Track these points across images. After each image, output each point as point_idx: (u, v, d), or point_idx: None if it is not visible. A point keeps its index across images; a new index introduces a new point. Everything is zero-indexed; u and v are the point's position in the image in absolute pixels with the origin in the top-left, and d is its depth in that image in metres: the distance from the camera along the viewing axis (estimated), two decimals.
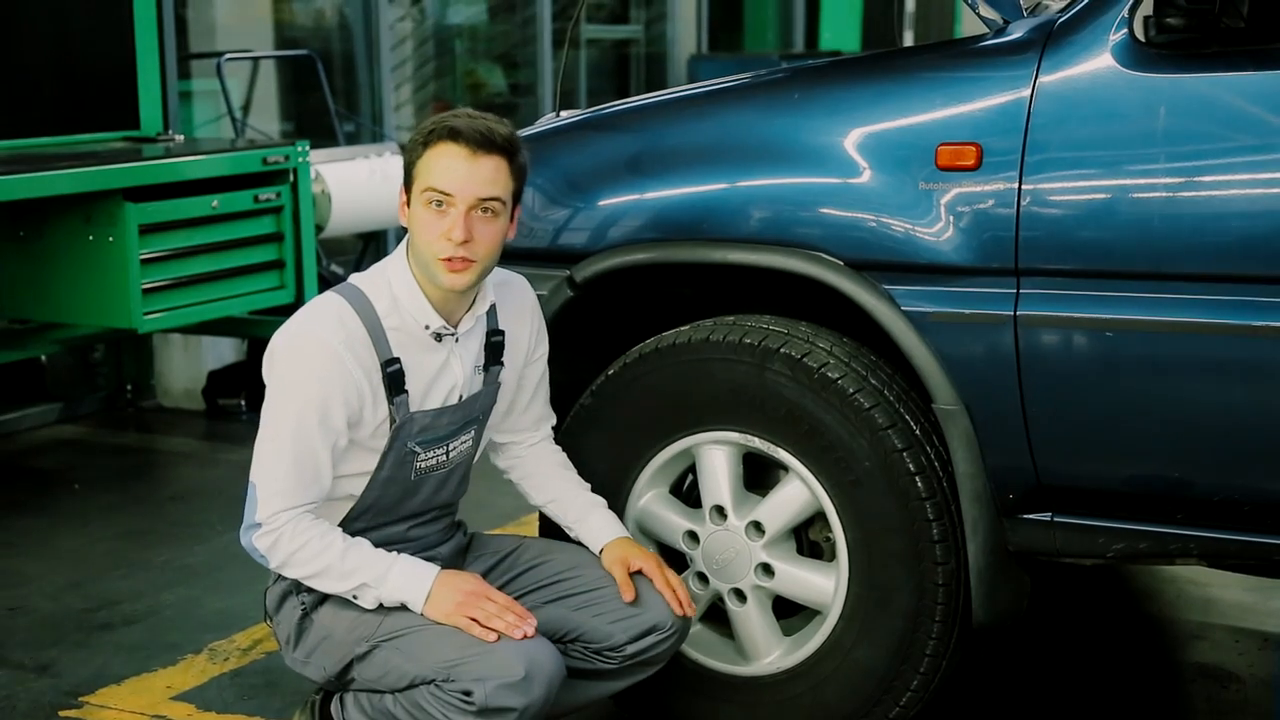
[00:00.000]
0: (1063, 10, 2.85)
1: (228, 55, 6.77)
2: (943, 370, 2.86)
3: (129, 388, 6.13)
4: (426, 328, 2.80)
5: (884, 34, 9.87)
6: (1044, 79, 2.78)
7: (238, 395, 6.02)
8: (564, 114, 3.49)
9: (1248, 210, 2.63)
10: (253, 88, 7.48)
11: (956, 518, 2.91)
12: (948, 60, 3.05)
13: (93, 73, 5.29)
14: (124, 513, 4.86)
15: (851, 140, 2.96)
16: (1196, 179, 2.67)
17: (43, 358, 5.78)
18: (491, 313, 2.94)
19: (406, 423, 2.80)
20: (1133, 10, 2.75)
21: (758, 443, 3.02)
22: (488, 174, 2.70)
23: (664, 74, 9.90)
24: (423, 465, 2.87)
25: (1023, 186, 2.78)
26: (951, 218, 2.84)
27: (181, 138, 5.53)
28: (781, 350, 2.97)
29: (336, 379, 2.71)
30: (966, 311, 2.83)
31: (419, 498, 2.91)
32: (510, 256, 3.16)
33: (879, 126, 2.95)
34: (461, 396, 2.89)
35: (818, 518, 3.05)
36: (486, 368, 2.94)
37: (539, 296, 3.14)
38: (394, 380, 2.77)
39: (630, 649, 2.89)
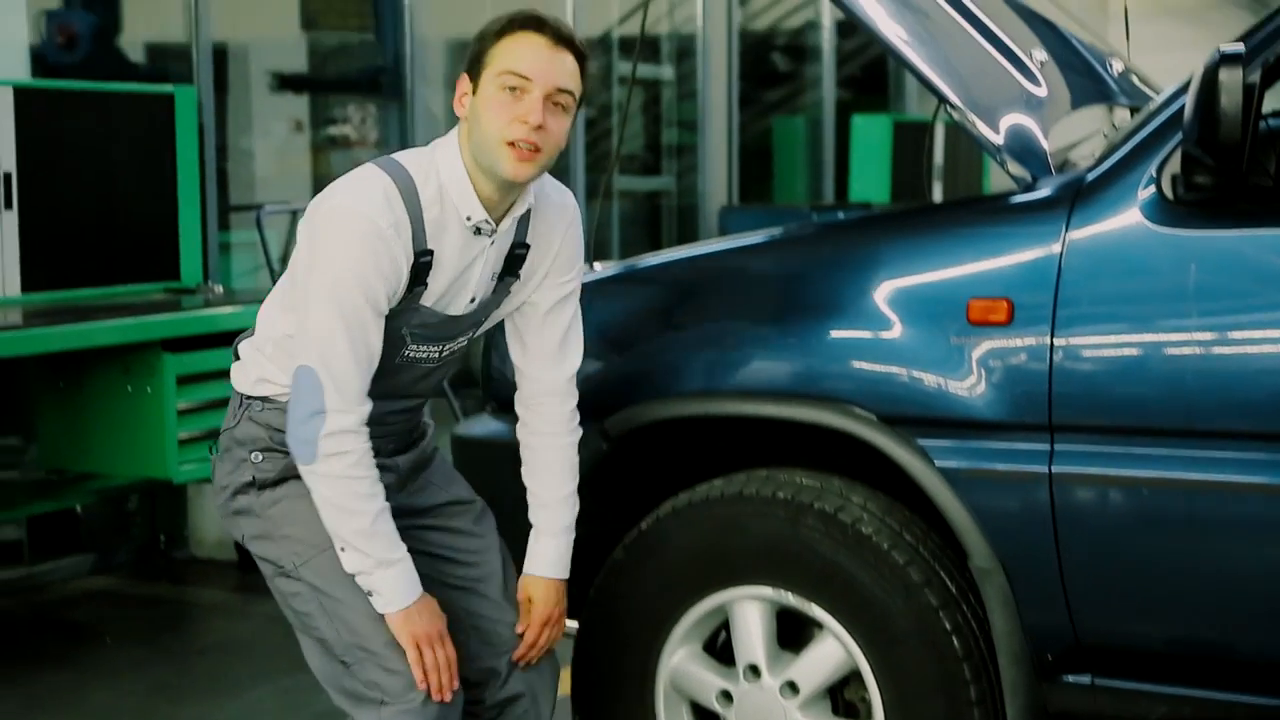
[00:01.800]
0: (1091, 168, 2.87)
1: (267, 207, 6.86)
2: (978, 527, 2.83)
3: (162, 538, 6.11)
4: (468, 219, 2.74)
5: (913, 186, 9.95)
6: (1074, 235, 2.79)
7: None
8: (598, 266, 3.51)
9: None
10: (291, 238, 7.58)
11: (995, 679, 2.86)
12: (978, 216, 3.07)
13: (135, 225, 5.36)
14: (155, 666, 4.82)
15: (883, 294, 2.97)
16: (1229, 335, 2.66)
17: (78, 508, 5.78)
18: (523, 223, 2.85)
19: (408, 311, 2.74)
20: (1160, 168, 2.77)
21: (791, 599, 2.98)
22: (567, 66, 2.68)
23: (695, 225, 9.99)
24: (411, 354, 2.80)
25: (1055, 342, 2.77)
26: (984, 372, 2.84)
27: (220, 288, 5.58)
28: (815, 505, 2.95)
29: (384, 260, 2.65)
30: (1001, 468, 2.81)
31: (399, 380, 2.81)
32: None
33: (910, 281, 2.97)
34: (473, 300, 2.82)
35: (853, 677, 3.00)
36: (501, 276, 2.86)
37: None
38: (421, 271, 2.72)
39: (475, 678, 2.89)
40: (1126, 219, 2.77)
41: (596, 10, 9.25)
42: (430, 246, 2.71)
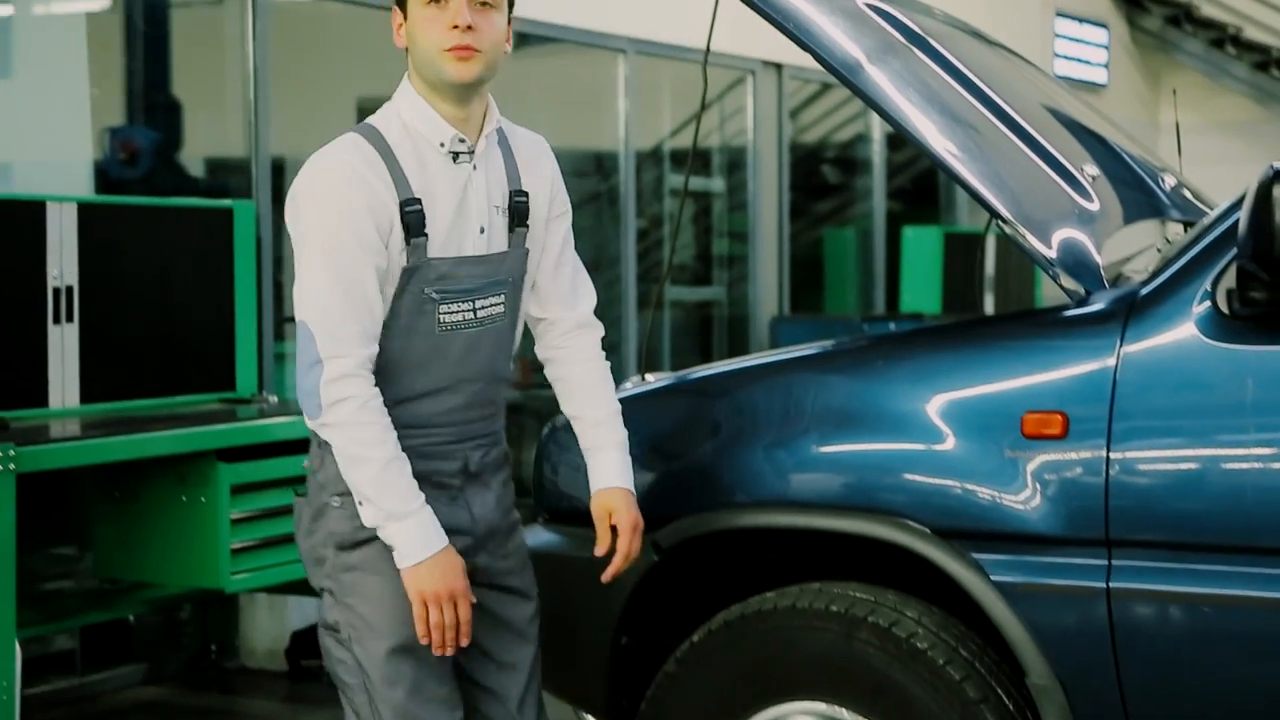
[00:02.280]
0: (1145, 282, 2.87)
1: None
2: (1035, 643, 2.80)
3: (213, 648, 6.11)
4: (442, 145, 2.76)
5: (964, 297, 9.95)
6: (1128, 349, 2.79)
7: (321, 656, 5.98)
8: (649, 377, 3.52)
9: None
10: None
11: None
12: (1031, 329, 3.07)
13: (192, 336, 5.42)
14: None
15: (936, 406, 2.97)
16: None
17: (130, 618, 5.80)
18: (512, 168, 2.87)
19: (422, 266, 2.72)
20: (1216, 283, 2.77)
21: (846, 715, 2.95)
22: None
23: (746, 335, 10.01)
24: (446, 318, 2.75)
25: (1111, 455, 2.76)
26: (1039, 486, 2.83)
27: (275, 398, 5.62)
28: (869, 619, 2.93)
29: (359, 194, 2.67)
30: (1058, 583, 2.79)
31: (449, 358, 2.77)
32: (591, 520, 3.17)
33: (964, 393, 2.97)
34: (482, 230, 2.79)
35: None
36: (512, 228, 2.85)
37: None
38: (413, 220, 2.70)
39: None
40: (1182, 333, 2.77)
41: (648, 123, 9.36)
42: (416, 195, 2.72)
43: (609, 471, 2.96)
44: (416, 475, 2.74)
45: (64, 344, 4.95)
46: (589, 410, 2.98)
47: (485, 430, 2.88)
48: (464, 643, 2.74)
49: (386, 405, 2.74)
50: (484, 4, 2.75)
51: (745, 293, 10.03)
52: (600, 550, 2.93)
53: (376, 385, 2.73)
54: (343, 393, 2.67)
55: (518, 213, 2.88)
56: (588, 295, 3.03)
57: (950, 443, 2.93)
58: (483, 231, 2.81)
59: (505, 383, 2.92)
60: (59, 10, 6.35)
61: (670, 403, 3.36)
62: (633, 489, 2.97)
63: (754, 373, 3.31)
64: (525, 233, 2.89)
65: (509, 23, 2.83)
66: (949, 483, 2.92)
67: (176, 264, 5.34)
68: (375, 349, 2.71)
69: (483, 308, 2.81)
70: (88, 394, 5.04)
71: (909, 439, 2.98)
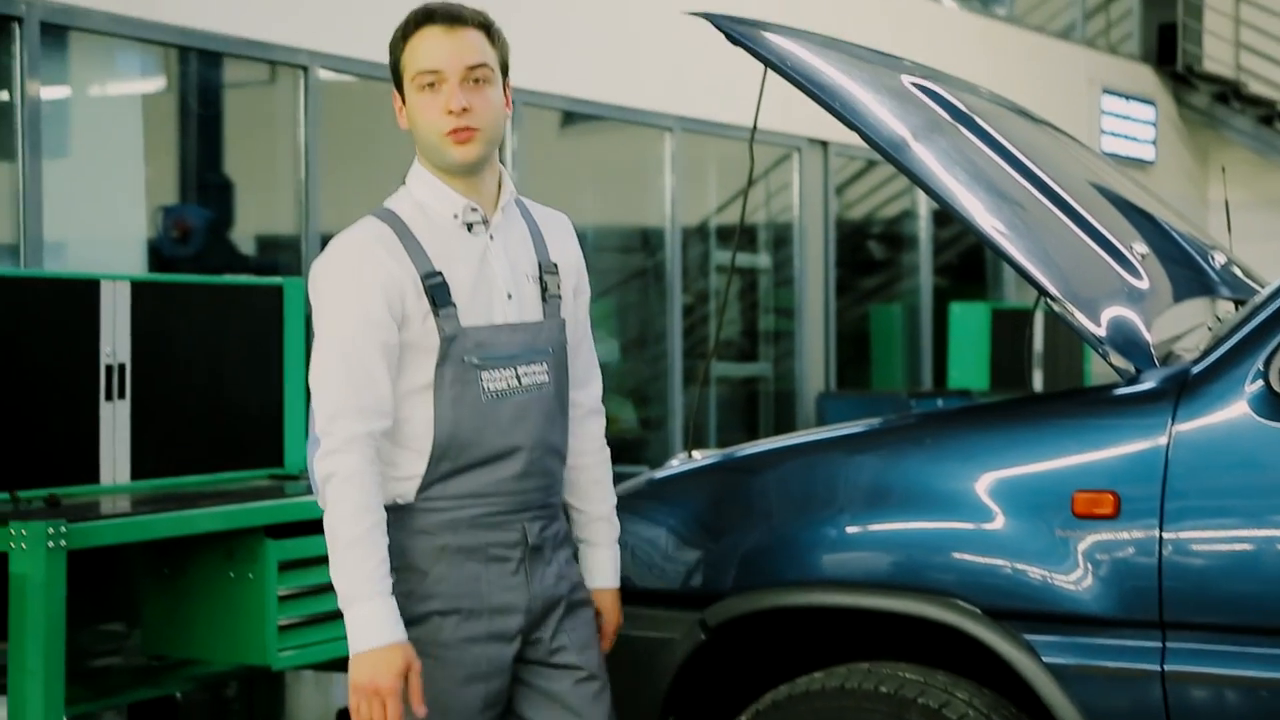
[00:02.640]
0: (1196, 361, 2.86)
1: None
2: None
3: None
4: (455, 216, 2.80)
5: (1012, 374, 9.92)
6: (1180, 428, 2.78)
7: None
8: (696, 454, 3.52)
9: None
10: None
11: None
12: (1082, 408, 3.06)
13: (242, 412, 5.44)
14: None
15: (985, 485, 2.95)
16: None
17: (178, 695, 5.80)
18: (538, 240, 2.90)
19: (459, 335, 2.74)
20: (1268, 362, 2.75)
21: None
22: (470, 43, 2.77)
23: (793, 411, 10.00)
24: (490, 385, 2.76)
25: (1164, 536, 2.74)
26: (1091, 566, 2.80)
27: None
28: (919, 700, 2.91)
29: (371, 271, 2.71)
30: (1111, 665, 2.76)
31: (498, 426, 2.77)
32: (640, 598, 3.16)
33: (1013, 472, 2.96)
34: (510, 296, 2.81)
35: None
36: (545, 298, 2.87)
37: (669, 640, 3.12)
38: (437, 292, 2.74)
39: None
40: (1234, 412, 2.75)
41: (694, 199, 9.41)
42: (437, 268, 2.76)
43: (604, 571, 2.99)
44: (471, 549, 2.76)
45: (115, 420, 4.99)
46: (591, 505, 3.01)
47: (543, 501, 2.87)
48: None
49: (443, 478, 2.76)
50: (477, 80, 2.79)
51: (791, 369, 10.04)
52: (605, 646, 2.95)
53: (416, 462, 2.76)
54: (330, 468, 2.69)
55: (548, 284, 2.91)
56: (598, 379, 3.05)
57: (1000, 522, 2.91)
58: (510, 298, 2.84)
59: (561, 456, 2.92)
60: (115, 92, 6.47)
61: (717, 480, 3.35)
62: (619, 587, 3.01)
63: (801, 450, 3.30)
64: (559, 303, 2.91)
65: (506, 88, 2.87)
66: (999, 562, 2.90)
67: (227, 340, 5.38)
68: (377, 425, 2.71)
69: (526, 374, 2.83)
70: (138, 470, 5.07)
71: (958, 518, 2.96)
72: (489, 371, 2.78)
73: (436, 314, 2.74)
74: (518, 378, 2.81)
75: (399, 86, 2.85)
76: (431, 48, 2.78)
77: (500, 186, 2.88)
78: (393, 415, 2.74)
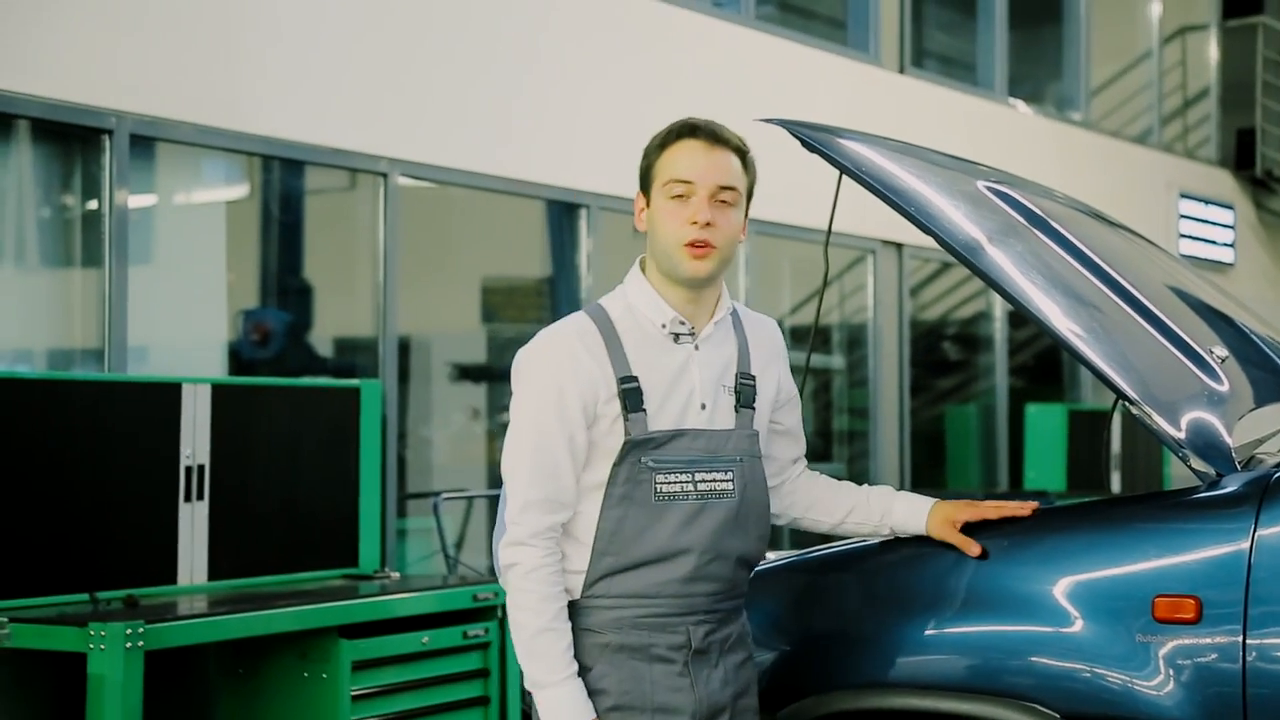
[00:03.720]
0: (1278, 465, 2.82)
1: (444, 494, 7.00)
2: None
3: None
4: (663, 326, 2.86)
5: (1090, 475, 9.82)
6: (1263, 532, 2.75)
7: None
8: (771, 555, 3.51)
9: None
10: (466, 524, 7.69)
11: None
12: (1162, 511, 3.02)
13: (317, 513, 5.49)
14: None
15: (1064, 589, 2.93)
16: None
17: None
18: (744, 351, 2.96)
19: (642, 440, 2.80)
20: None
21: None
22: (725, 163, 2.86)
23: None
24: (663, 488, 2.82)
25: (1248, 642, 2.70)
26: (1172, 672, 2.76)
27: (397, 574, 5.66)
28: None
29: (570, 369, 2.80)
30: None
31: (663, 530, 2.81)
32: None
33: (1092, 576, 2.93)
34: (704, 407, 2.86)
35: None
36: (738, 408, 2.92)
37: None
38: (630, 396, 2.80)
39: None
40: None
41: (769, 300, 9.44)
42: (634, 372, 2.83)
43: (915, 508, 3.10)
44: (634, 648, 2.83)
45: (194, 521, 5.04)
46: (855, 498, 3.14)
47: (712, 606, 2.90)
48: None
49: (607, 575, 2.84)
50: (724, 201, 2.87)
51: (867, 469, 9.99)
52: (974, 552, 3.02)
53: (580, 555, 2.85)
54: (513, 558, 2.81)
55: (743, 394, 2.96)
56: (803, 449, 3.20)
57: (1080, 626, 2.88)
58: (704, 408, 2.90)
59: (744, 563, 2.96)
60: (199, 200, 6.60)
61: (792, 580, 3.34)
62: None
63: (876, 551, 3.28)
64: (752, 414, 2.96)
65: (747, 213, 2.95)
66: (1079, 667, 2.87)
67: (304, 441, 5.44)
68: (560, 517, 2.83)
69: (704, 481, 2.88)
70: (215, 570, 5.12)
71: (1037, 621, 2.94)
72: (664, 475, 2.85)
73: (626, 417, 2.82)
74: (694, 483, 2.87)
75: (645, 189, 2.93)
76: (690, 158, 2.87)
77: (719, 300, 2.96)
78: (574, 505, 2.84)
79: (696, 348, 2.90)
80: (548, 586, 2.79)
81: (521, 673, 2.87)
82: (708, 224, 2.82)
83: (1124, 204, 10.32)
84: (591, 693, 2.81)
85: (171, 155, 6.24)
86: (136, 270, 5.87)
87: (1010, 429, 11.00)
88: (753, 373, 2.97)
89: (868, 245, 9.81)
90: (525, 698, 2.95)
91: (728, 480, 2.89)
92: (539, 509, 2.80)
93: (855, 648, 3.11)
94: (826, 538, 3.31)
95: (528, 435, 2.83)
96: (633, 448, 2.82)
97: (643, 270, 2.94)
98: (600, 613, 2.83)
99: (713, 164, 2.86)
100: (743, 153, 2.91)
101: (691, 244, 2.83)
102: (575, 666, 2.79)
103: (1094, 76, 12.30)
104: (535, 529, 2.80)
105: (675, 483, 2.84)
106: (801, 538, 9.20)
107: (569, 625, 2.81)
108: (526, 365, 2.87)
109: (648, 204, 2.91)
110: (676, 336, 2.89)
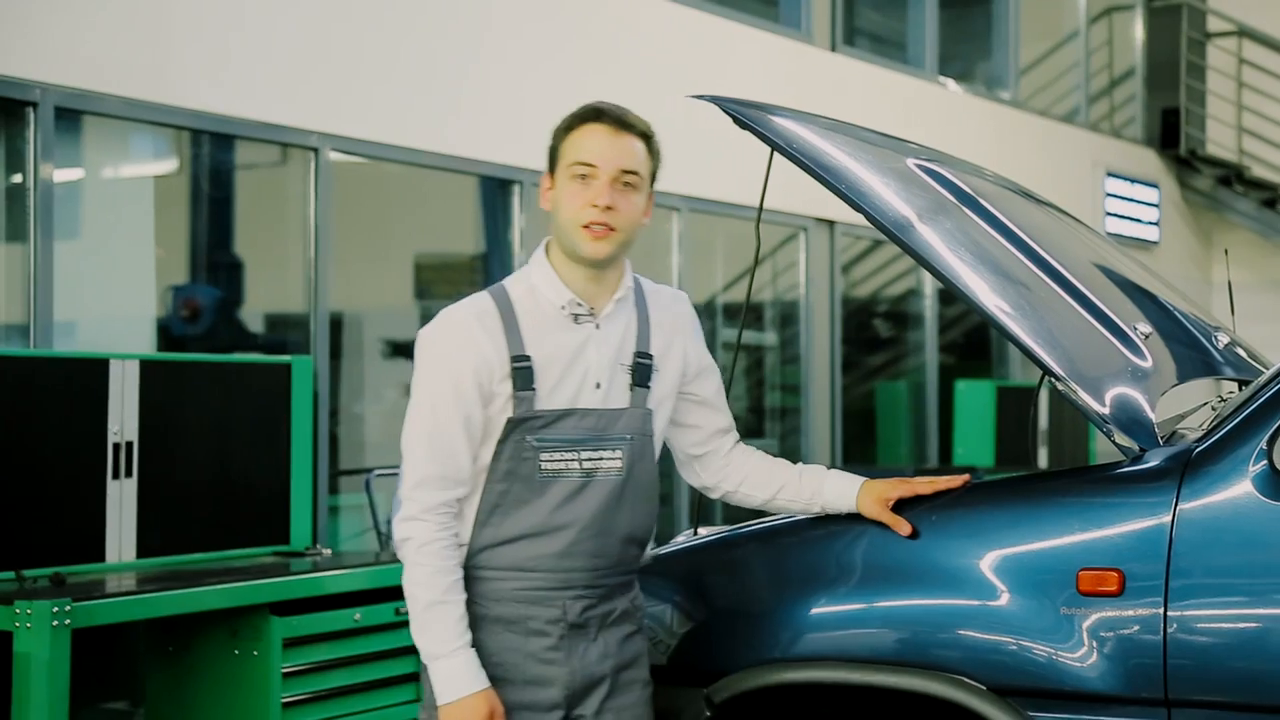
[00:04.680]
0: (1199, 440, 2.86)
1: (376, 471, 6.97)
2: None
3: None
4: (562, 308, 2.90)
5: (1017, 451, 9.92)
6: (1184, 507, 2.78)
7: None
8: (701, 531, 3.52)
9: None
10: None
11: None
12: (1086, 486, 3.05)
13: (248, 490, 5.45)
14: None
15: (990, 563, 2.96)
16: None
17: None
18: (644, 329, 2.99)
19: (529, 417, 2.85)
20: (1271, 442, 2.76)
21: None
22: (629, 148, 2.89)
23: None
24: (546, 465, 2.87)
25: (1168, 614, 2.74)
26: (1095, 643, 2.80)
27: (329, 551, 5.63)
28: None
29: (471, 355, 2.85)
30: None
31: (543, 505, 2.87)
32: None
33: (1018, 550, 2.96)
34: (599, 385, 2.90)
35: None
36: (633, 386, 2.95)
37: (674, 716, 3.11)
38: (520, 375, 2.85)
39: None
40: (1238, 492, 2.76)
41: (701, 277, 9.45)
42: (527, 351, 2.87)
43: (845, 485, 3.13)
44: (510, 620, 2.88)
45: (122, 499, 4.99)
46: (787, 475, 3.17)
47: (592, 582, 2.93)
48: None
49: (488, 548, 2.89)
50: (626, 184, 2.91)
51: (798, 444, 10.03)
52: (905, 531, 3.04)
53: (480, 527, 2.90)
54: (407, 533, 2.85)
55: (639, 372, 2.98)
56: (733, 423, 3.22)
57: (1005, 599, 2.91)
58: (599, 387, 2.93)
59: (631, 540, 2.98)
60: (127, 174, 6.52)
61: (723, 557, 3.35)
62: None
63: (807, 527, 3.30)
64: (646, 393, 2.99)
65: (650, 197, 2.99)
66: (1004, 639, 2.90)
67: (234, 418, 5.39)
68: (453, 494, 2.87)
69: (590, 459, 2.91)
70: (144, 548, 5.07)
71: (964, 595, 2.96)
72: (548, 453, 2.89)
73: (515, 395, 2.86)
74: (579, 461, 2.91)
75: (551, 170, 2.96)
76: (594, 143, 2.91)
77: (620, 279, 2.99)
78: (470, 482, 2.89)
79: (597, 327, 2.94)
80: (440, 560, 2.83)
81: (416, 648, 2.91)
82: (608, 207, 2.87)
83: (1051, 182, 10.41)
84: None
85: (99, 129, 6.16)
86: (63, 245, 5.80)
87: (940, 405, 11.08)
88: (651, 351, 3.00)
89: (800, 222, 9.84)
90: (420, 676, 2.96)
91: (616, 458, 2.93)
92: (433, 485, 2.85)
93: (784, 622, 3.13)
94: (759, 513, 3.33)
95: (425, 413, 2.87)
96: (516, 426, 2.86)
97: (547, 252, 2.97)
98: (480, 584, 2.89)
99: (616, 148, 2.89)
100: (648, 137, 2.95)
101: (590, 225, 2.87)
102: (468, 637, 2.84)
103: (1023, 56, 12.38)
104: (428, 504, 2.84)
105: (559, 460, 2.89)
106: (734, 513, 9.24)
107: (463, 598, 2.85)
108: (426, 344, 2.91)
109: (553, 184, 2.94)
110: (576, 317, 2.93)
